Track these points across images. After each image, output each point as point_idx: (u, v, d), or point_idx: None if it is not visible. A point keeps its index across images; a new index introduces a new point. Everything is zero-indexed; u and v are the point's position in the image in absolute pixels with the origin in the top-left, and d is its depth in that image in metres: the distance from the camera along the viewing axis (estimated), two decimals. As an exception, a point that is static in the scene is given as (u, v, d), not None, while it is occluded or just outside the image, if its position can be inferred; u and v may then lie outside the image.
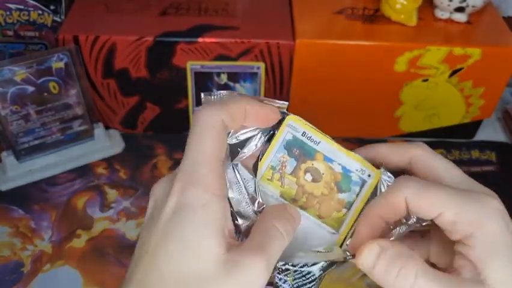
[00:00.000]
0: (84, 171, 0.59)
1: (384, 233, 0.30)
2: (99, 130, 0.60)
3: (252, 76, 0.56)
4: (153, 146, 0.62)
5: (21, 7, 0.59)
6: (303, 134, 0.32)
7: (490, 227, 0.26)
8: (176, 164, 0.60)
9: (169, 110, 0.61)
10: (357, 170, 0.32)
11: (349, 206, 0.32)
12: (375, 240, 0.27)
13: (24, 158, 0.57)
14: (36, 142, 0.57)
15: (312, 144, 0.32)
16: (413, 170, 0.31)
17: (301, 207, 0.32)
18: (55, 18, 0.59)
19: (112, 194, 0.57)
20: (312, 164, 0.32)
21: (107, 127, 0.62)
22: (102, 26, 0.56)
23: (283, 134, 0.32)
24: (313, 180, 0.32)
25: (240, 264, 0.24)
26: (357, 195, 0.32)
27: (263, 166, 0.32)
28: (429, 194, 0.27)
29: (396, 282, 0.26)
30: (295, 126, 0.32)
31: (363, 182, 0.32)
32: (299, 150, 0.32)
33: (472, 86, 0.58)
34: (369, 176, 0.32)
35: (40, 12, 0.59)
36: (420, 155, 0.30)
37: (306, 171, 0.32)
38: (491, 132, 0.67)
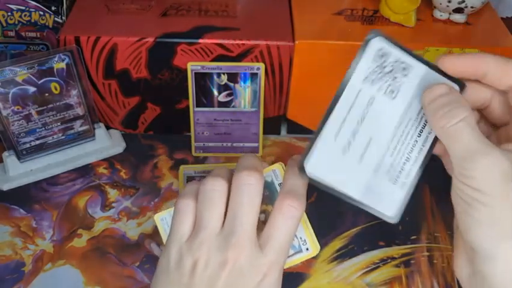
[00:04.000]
0: (85, 171, 0.59)
1: None
2: (100, 130, 0.61)
3: (252, 77, 0.57)
4: (154, 146, 0.63)
5: (23, 8, 0.59)
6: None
7: None
8: (176, 163, 0.60)
9: (170, 110, 0.61)
10: None
11: None
12: (443, 85, 0.30)
13: (26, 158, 0.57)
14: (38, 142, 0.58)
15: None
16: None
17: None
18: (56, 19, 0.60)
19: (112, 193, 0.57)
20: None
21: (108, 127, 0.63)
22: (103, 26, 0.56)
23: None
24: None
25: None
26: None
27: None
28: None
29: (441, 118, 0.29)
30: None
31: None
32: None
33: (470, 86, 0.58)
34: None
35: (41, 13, 0.59)
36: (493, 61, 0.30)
37: None
38: (490, 132, 0.67)
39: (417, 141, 0.33)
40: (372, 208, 0.33)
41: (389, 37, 0.33)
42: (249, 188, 0.34)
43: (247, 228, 0.34)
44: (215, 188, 0.35)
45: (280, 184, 0.37)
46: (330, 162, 0.33)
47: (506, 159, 0.27)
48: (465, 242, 0.30)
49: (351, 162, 0.33)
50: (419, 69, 0.33)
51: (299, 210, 0.34)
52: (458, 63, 0.31)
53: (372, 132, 0.33)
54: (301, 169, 0.33)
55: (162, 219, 0.39)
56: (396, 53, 0.33)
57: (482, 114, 0.34)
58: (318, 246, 0.37)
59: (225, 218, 0.35)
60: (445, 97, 0.29)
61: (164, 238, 0.38)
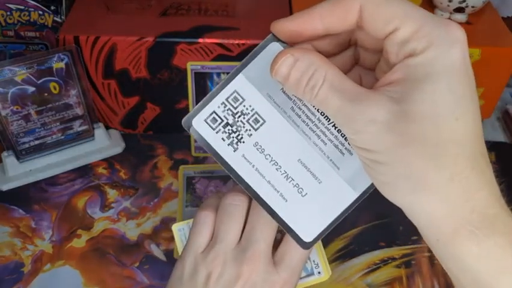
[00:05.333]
0: (84, 171, 0.59)
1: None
2: (99, 130, 0.60)
3: (252, 76, 0.56)
4: (153, 146, 0.62)
5: (22, 7, 0.59)
6: None
7: (447, 51, 0.23)
8: (176, 164, 0.60)
9: (169, 110, 0.61)
10: None
11: None
12: (289, 50, 0.26)
13: (25, 158, 0.57)
14: (37, 142, 0.57)
15: None
16: (364, 20, 0.25)
17: None
18: (56, 19, 0.60)
19: (112, 194, 0.57)
20: None
21: (107, 127, 0.63)
22: (102, 26, 0.56)
23: None
24: None
25: None
26: None
27: None
28: (389, 5, 0.24)
29: (305, 91, 0.25)
30: None
31: None
32: None
33: (471, 86, 0.58)
34: None
35: (41, 12, 0.59)
36: (370, 0, 0.25)
37: None
38: (490, 132, 0.67)
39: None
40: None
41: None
42: None
43: (263, 244, 0.34)
44: (235, 202, 0.36)
45: None
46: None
47: (379, 107, 0.23)
48: None
49: None
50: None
51: None
52: (289, 30, 0.27)
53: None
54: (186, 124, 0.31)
55: (180, 229, 0.39)
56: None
57: (354, 55, 0.30)
58: (330, 271, 0.37)
59: (242, 233, 0.35)
60: (296, 69, 0.25)
61: (179, 248, 0.38)
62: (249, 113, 0.30)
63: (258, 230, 0.34)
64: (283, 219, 0.32)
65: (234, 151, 0.31)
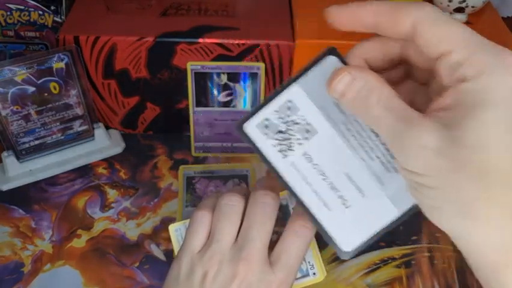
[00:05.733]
0: (84, 171, 0.59)
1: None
2: (99, 130, 0.60)
3: (252, 76, 0.56)
4: (153, 146, 0.62)
5: (22, 7, 0.59)
6: None
7: (500, 80, 0.22)
8: (176, 164, 0.60)
9: (170, 110, 0.61)
10: None
11: None
12: (346, 68, 0.27)
13: (25, 158, 0.57)
14: (37, 142, 0.57)
15: None
16: (418, 36, 0.25)
17: None
18: (56, 19, 0.60)
19: (112, 194, 0.57)
20: None
21: (107, 127, 0.63)
22: (102, 26, 0.56)
23: None
24: None
25: None
26: None
27: None
28: (445, 25, 0.24)
29: (360, 109, 0.26)
30: None
31: None
32: None
33: (471, 86, 0.58)
34: None
35: (41, 12, 0.59)
36: (426, 16, 0.24)
37: None
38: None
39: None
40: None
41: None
42: (264, 206, 0.35)
43: (259, 243, 0.34)
44: (231, 203, 0.36)
45: (293, 208, 0.38)
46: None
47: (431, 132, 0.23)
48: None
49: None
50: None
51: (311, 230, 0.35)
52: (343, 16, 0.28)
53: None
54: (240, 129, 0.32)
55: (176, 230, 0.39)
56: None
57: (406, 71, 0.30)
58: (325, 272, 0.38)
59: (238, 233, 0.35)
60: (352, 87, 0.26)
61: (176, 249, 0.39)
62: (301, 123, 0.31)
63: (254, 229, 0.34)
64: (325, 227, 0.32)
65: (283, 158, 0.32)
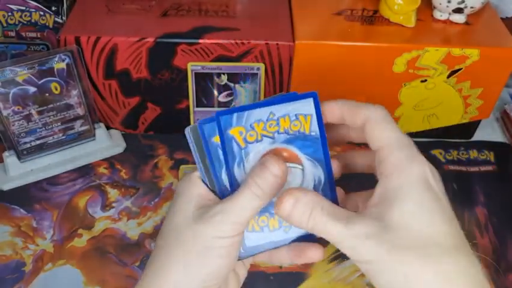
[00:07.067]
0: (85, 171, 0.59)
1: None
2: (100, 130, 0.61)
3: (252, 77, 0.57)
4: (154, 146, 0.63)
5: (23, 8, 0.59)
6: None
7: (407, 173, 0.30)
8: (176, 163, 0.60)
9: (170, 110, 0.61)
10: None
11: None
12: (292, 191, 0.31)
13: (26, 158, 0.57)
14: (38, 142, 0.58)
15: None
16: (364, 131, 0.32)
17: None
18: (57, 19, 0.60)
19: (113, 193, 0.57)
20: None
21: (108, 127, 0.63)
22: (103, 27, 0.56)
23: None
24: None
25: (207, 213, 0.32)
26: None
27: None
28: (383, 127, 0.31)
29: (308, 223, 0.31)
30: None
31: None
32: None
33: (470, 86, 0.58)
34: None
35: (42, 13, 0.59)
36: (375, 116, 0.32)
37: None
38: (489, 132, 0.67)
39: None
40: None
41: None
42: None
43: None
44: None
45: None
46: None
47: (366, 226, 0.29)
48: None
49: None
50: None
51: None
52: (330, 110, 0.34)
53: None
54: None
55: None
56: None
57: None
58: None
59: None
60: (297, 207, 0.31)
61: None
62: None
63: None
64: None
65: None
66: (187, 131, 0.34)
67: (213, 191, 0.34)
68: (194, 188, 0.34)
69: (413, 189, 0.29)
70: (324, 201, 0.31)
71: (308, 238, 0.35)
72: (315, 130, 0.33)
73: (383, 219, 0.29)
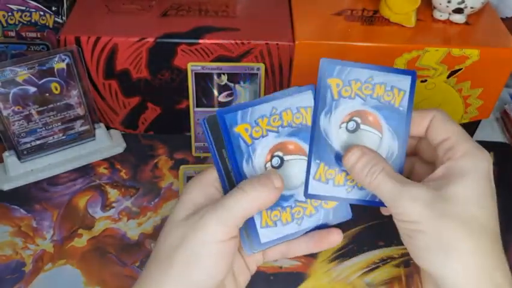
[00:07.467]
0: (85, 171, 0.59)
1: None
2: (100, 130, 0.61)
3: (252, 77, 0.57)
4: (154, 146, 0.63)
5: (23, 8, 0.59)
6: None
7: (478, 162, 0.33)
8: (176, 164, 0.60)
9: (170, 110, 0.61)
10: None
11: None
12: (361, 146, 0.35)
13: (26, 158, 0.58)
14: (38, 142, 0.58)
15: None
16: (429, 130, 0.36)
17: None
18: (57, 19, 0.60)
19: (113, 193, 0.57)
20: None
21: (108, 127, 0.63)
22: (103, 27, 0.56)
23: None
24: None
25: (197, 215, 0.33)
26: None
27: None
28: (448, 123, 0.35)
29: (366, 177, 0.34)
30: None
31: None
32: None
33: (470, 86, 0.58)
34: None
35: (42, 13, 0.59)
36: (441, 114, 0.36)
37: None
38: (489, 132, 0.67)
39: None
40: None
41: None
42: None
43: None
44: None
45: None
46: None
47: (422, 190, 0.32)
48: (425, 272, 0.34)
49: None
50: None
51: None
52: None
53: None
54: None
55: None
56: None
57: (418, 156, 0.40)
58: None
59: None
60: (362, 160, 0.34)
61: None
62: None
63: None
64: None
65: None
66: (203, 121, 0.34)
67: (225, 189, 0.34)
68: (198, 188, 0.36)
69: (477, 173, 0.32)
70: (387, 164, 0.34)
71: (319, 228, 0.36)
72: (403, 106, 0.36)
73: (440, 190, 0.32)
